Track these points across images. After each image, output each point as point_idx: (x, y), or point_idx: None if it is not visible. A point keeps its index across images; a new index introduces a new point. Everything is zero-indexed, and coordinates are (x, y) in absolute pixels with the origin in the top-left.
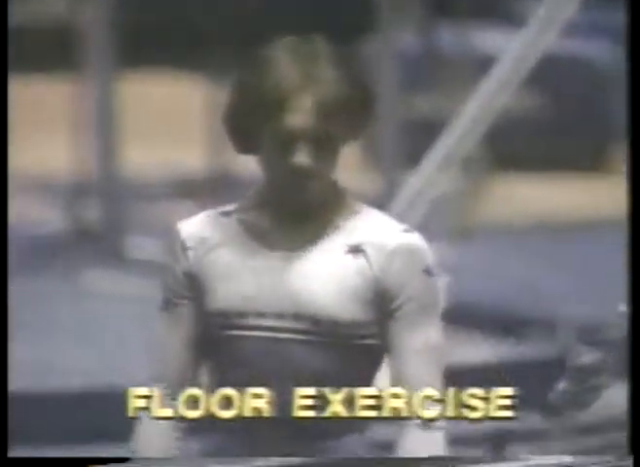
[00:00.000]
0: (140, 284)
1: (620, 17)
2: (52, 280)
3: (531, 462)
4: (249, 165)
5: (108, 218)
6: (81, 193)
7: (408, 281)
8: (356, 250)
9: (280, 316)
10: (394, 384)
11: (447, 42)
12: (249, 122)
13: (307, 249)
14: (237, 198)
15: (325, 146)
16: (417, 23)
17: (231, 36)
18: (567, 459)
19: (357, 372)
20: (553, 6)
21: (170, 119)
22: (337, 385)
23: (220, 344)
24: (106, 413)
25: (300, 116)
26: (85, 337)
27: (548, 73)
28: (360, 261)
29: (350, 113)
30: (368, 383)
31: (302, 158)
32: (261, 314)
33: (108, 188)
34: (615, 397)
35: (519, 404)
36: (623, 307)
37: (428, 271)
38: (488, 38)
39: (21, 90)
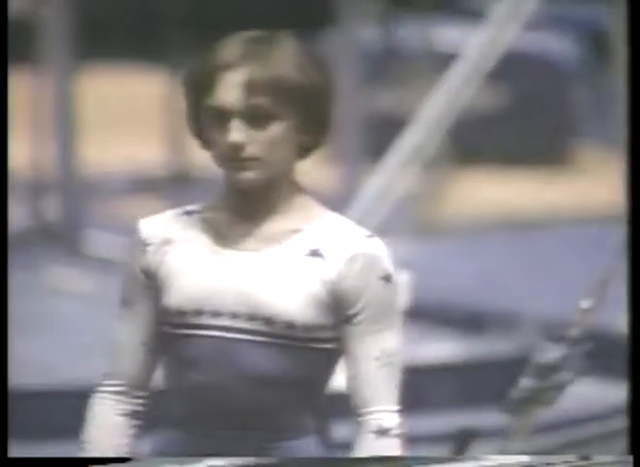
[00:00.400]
0: (98, 281)
1: (581, 12)
2: (13, 277)
3: (490, 462)
4: (208, 162)
5: (67, 215)
6: (40, 190)
7: (367, 288)
8: (316, 254)
9: (235, 316)
10: (350, 388)
11: (409, 36)
12: (194, 109)
13: (267, 250)
14: (196, 195)
15: (262, 125)
16: (378, 17)
17: (188, 30)
18: (525, 459)
19: (311, 374)
20: (515, 1)
21: (130, 114)
22: (291, 387)
23: (175, 343)
24: (62, 406)
25: (230, 91)
26: (43, 332)
27: (509, 69)
28: (319, 265)
29: (288, 93)
30: (322, 386)
31: (234, 135)
32: (216, 313)
33: (67, 185)
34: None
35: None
36: (586, 304)
37: (387, 278)
38: (450, 33)
39: None
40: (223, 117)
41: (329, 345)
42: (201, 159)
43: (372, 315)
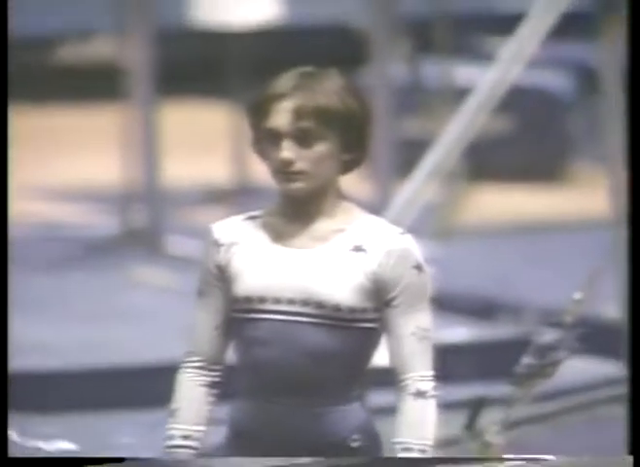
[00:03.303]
0: (177, 277)
1: (574, 51)
2: (106, 274)
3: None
4: (265, 177)
5: (152, 221)
6: (130, 201)
7: (402, 276)
8: (359, 249)
9: (292, 302)
10: (391, 360)
11: (432, 74)
12: (254, 133)
13: (317, 247)
14: (257, 203)
15: (308, 144)
16: (407, 58)
17: (246, 71)
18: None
19: (356, 350)
20: (519, 44)
21: (201, 138)
22: (339, 361)
23: (243, 326)
24: (155, 382)
25: (280, 116)
26: (132, 321)
27: (514, 100)
28: (362, 258)
29: (330, 119)
30: (365, 360)
31: (285, 153)
32: (277, 300)
33: (152, 197)
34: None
35: (492, 375)
36: (578, 295)
37: (418, 268)
38: (466, 71)
39: (80, 118)
40: (277, 137)
41: (370, 325)
42: (260, 173)
43: (407, 298)
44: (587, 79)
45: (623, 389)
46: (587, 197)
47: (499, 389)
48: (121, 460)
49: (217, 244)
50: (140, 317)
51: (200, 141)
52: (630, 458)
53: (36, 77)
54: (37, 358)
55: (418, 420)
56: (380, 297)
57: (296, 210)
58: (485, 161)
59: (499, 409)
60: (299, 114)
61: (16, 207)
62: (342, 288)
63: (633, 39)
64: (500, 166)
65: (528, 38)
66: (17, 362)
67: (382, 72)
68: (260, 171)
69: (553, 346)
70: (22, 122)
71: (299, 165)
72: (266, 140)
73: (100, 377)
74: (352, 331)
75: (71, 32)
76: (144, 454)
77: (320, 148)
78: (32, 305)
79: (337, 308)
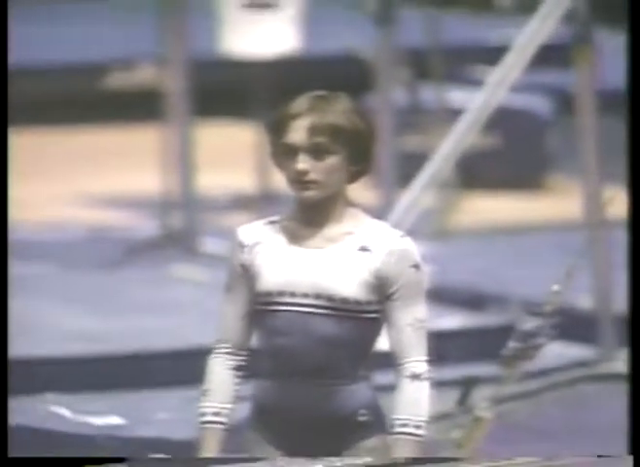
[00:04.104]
0: (211, 272)
1: (551, 78)
2: (149, 271)
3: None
4: (285, 186)
5: (188, 225)
6: (169, 207)
7: (401, 274)
8: (364, 249)
9: (306, 295)
10: (391, 346)
11: (428, 97)
12: (273, 147)
13: (328, 248)
14: (276, 209)
15: (321, 157)
16: (407, 84)
17: (270, 94)
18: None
19: (361, 336)
20: (504, 71)
21: (229, 153)
22: (347, 346)
23: (265, 316)
24: (191, 364)
25: (297, 133)
26: (171, 311)
27: (500, 119)
28: (367, 257)
29: (341, 135)
30: (370, 345)
31: (301, 165)
32: (293, 294)
33: (188, 203)
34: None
35: (482, 355)
36: (556, 288)
37: (416, 267)
38: (458, 94)
39: (126, 137)
40: (293, 151)
41: (374, 315)
42: (281, 182)
43: (405, 293)
44: (564, 101)
45: (594, 370)
46: (563, 203)
47: (488, 370)
48: (121, 460)
49: (241, 245)
50: (178, 308)
51: (229, 155)
52: (630, 458)
53: (88, 101)
54: (89, 345)
55: (414, 399)
56: (382, 291)
57: (309, 215)
58: (475, 172)
59: (488, 386)
60: (313, 131)
61: (72, 214)
62: (350, 283)
63: (634, 39)
64: (488, 177)
65: (512, 66)
66: (72, 348)
67: (386, 96)
68: (280, 181)
69: (535, 333)
70: (77, 140)
71: (312, 176)
72: (283, 154)
73: (143, 360)
74: (358, 320)
75: (118, 61)
76: (180, 429)
77: (331, 160)
78: (86, 299)
79: (345, 301)
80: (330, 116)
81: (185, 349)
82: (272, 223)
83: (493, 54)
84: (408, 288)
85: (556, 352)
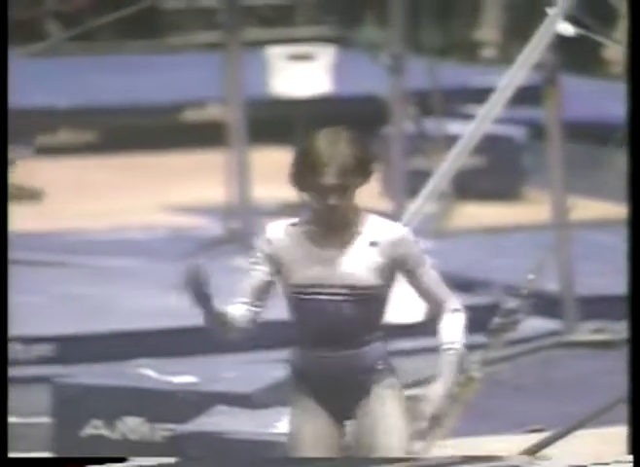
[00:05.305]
0: None
1: (527, 112)
2: (214, 262)
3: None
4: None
5: (245, 226)
6: (230, 213)
7: (409, 252)
8: (373, 244)
9: (332, 286)
10: (428, 300)
11: (431, 128)
12: (302, 177)
13: (343, 246)
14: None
15: (346, 191)
16: (414, 118)
17: (307, 125)
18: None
19: (374, 313)
20: (489, 107)
21: (277, 171)
22: (364, 320)
23: (299, 304)
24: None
25: (330, 177)
26: (231, 294)
27: (486, 144)
28: (377, 250)
29: (359, 172)
30: (381, 318)
31: (332, 201)
32: (320, 285)
33: (244, 209)
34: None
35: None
36: (531, 276)
37: (415, 242)
38: (454, 126)
39: (197, 159)
40: (324, 189)
41: (383, 296)
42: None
43: (417, 262)
44: (536, 130)
45: (561, 339)
46: (535, 210)
47: (478, 339)
48: (121, 460)
49: (269, 239)
50: (237, 291)
51: (276, 173)
52: (630, 458)
53: (170, 132)
54: (171, 320)
55: (457, 327)
56: (399, 269)
57: (327, 220)
58: (466, 186)
59: (478, 352)
60: (339, 174)
61: (158, 219)
62: (366, 273)
63: (633, 39)
64: (476, 189)
65: (495, 103)
66: (158, 323)
67: (398, 127)
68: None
69: (515, 310)
70: (162, 162)
71: (339, 206)
72: (315, 189)
73: (211, 332)
74: (372, 301)
75: (192, 101)
76: (242, 385)
77: (351, 190)
78: (168, 285)
79: (364, 288)
80: (352, 159)
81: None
82: (293, 225)
83: (481, 95)
84: (416, 258)
85: (531, 325)
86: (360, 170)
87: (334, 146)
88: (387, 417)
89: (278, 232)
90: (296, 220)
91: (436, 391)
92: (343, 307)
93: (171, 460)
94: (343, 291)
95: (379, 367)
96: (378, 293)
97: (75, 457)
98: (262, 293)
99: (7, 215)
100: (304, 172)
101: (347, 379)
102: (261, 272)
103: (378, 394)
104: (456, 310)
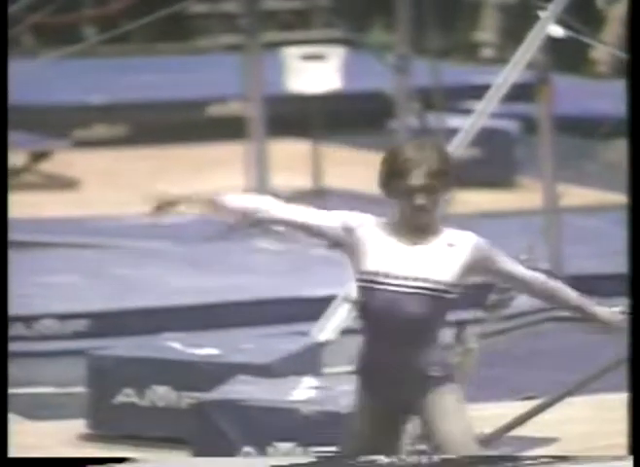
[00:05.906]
0: (280, 245)
1: (520, 107)
2: (239, 243)
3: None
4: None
5: None
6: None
7: (490, 253)
8: (451, 245)
9: (405, 279)
10: (526, 285)
11: (432, 122)
12: (391, 182)
13: (422, 243)
14: (323, 202)
15: (432, 193)
16: (417, 113)
17: (320, 119)
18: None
19: (440, 312)
20: (486, 102)
21: (293, 161)
22: (431, 318)
23: (369, 293)
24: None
25: (418, 178)
26: (253, 272)
27: (483, 137)
28: (455, 250)
29: (444, 176)
30: (444, 319)
31: (419, 201)
32: (395, 276)
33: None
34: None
35: (473, 305)
36: (523, 257)
37: (489, 244)
38: (453, 120)
39: (221, 150)
40: (412, 190)
41: (452, 296)
42: (329, 182)
43: (500, 258)
44: (528, 124)
45: (550, 314)
46: (528, 197)
47: (476, 314)
48: (121, 460)
49: (357, 220)
50: (259, 269)
51: (292, 162)
52: (630, 458)
53: (196, 126)
54: (197, 297)
55: (562, 287)
56: (484, 270)
57: (412, 220)
58: (465, 175)
59: (476, 326)
60: (428, 176)
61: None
62: (442, 269)
63: (633, 39)
64: (474, 178)
65: (491, 99)
66: (183, 299)
67: (403, 122)
68: (329, 181)
69: (508, 289)
70: (189, 153)
71: (425, 207)
72: (404, 192)
73: (233, 307)
74: (440, 300)
75: (215, 98)
76: (260, 356)
77: (437, 194)
78: (194, 264)
79: (437, 283)
80: (438, 163)
81: (263, 299)
82: (381, 220)
83: (478, 91)
84: (498, 255)
85: (523, 301)
86: (444, 175)
87: (421, 151)
88: (448, 415)
89: (367, 219)
90: (383, 219)
91: (603, 310)
92: (407, 301)
93: (171, 460)
94: (415, 283)
95: (433, 372)
96: (447, 291)
97: (75, 457)
98: (303, 225)
99: (7, 203)
100: (394, 176)
101: (402, 379)
102: (329, 221)
103: (438, 394)
104: (552, 278)
